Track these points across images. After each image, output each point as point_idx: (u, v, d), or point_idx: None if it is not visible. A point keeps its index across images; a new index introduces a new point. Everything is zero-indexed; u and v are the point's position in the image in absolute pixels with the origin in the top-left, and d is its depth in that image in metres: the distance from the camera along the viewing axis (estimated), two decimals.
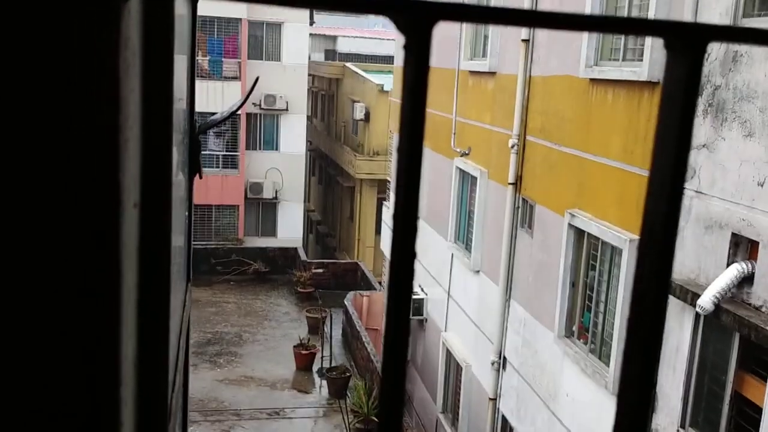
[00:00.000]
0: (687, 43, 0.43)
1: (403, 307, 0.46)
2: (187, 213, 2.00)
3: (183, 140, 1.75)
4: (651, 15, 7.33)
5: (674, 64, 0.44)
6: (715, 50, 6.45)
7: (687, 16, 6.78)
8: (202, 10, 25.81)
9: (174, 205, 1.49)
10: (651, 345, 0.48)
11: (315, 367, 17.75)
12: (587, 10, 8.58)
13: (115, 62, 0.52)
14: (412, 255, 0.45)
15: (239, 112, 25.05)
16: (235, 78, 25.22)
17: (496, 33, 11.41)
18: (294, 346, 17.94)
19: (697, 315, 6.54)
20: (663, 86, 0.45)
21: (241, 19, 25.20)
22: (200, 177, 2.05)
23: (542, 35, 9.97)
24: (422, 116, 0.44)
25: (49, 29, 0.49)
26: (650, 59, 7.32)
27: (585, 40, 8.60)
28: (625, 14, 8.10)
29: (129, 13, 0.59)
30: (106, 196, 0.54)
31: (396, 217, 0.45)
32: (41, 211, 0.52)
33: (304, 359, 17.68)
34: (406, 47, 0.42)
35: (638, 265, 0.49)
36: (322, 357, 17.60)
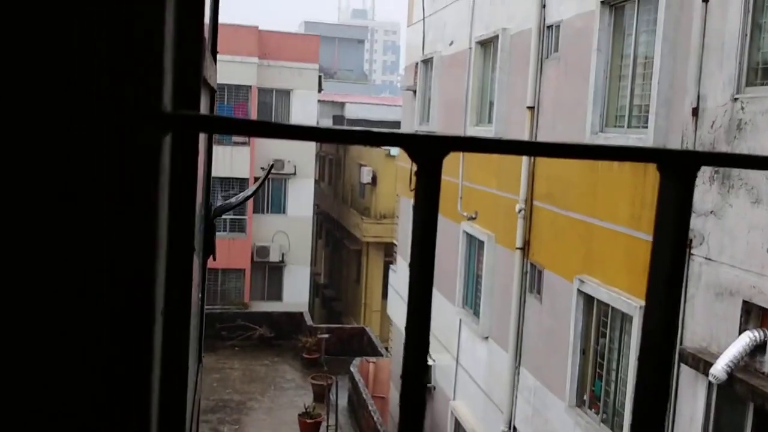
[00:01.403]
0: (678, 168, 0.43)
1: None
2: (200, 295, 2.00)
3: (199, 226, 1.77)
4: (654, 84, 7.43)
5: (667, 187, 0.44)
6: (720, 117, 6.51)
7: (690, 86, 6.87)
8: None
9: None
10: (660, 406, 0.48)
11: None
12: (590, 88, 8.71)
13: (155, 190, 0.57)
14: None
15: (248, 176, 25.31)
16: (244, 144, 25.57)
17: (501, 99, 11.58)
18: (299, 415, 17.60)
19: (710, 384, 6.40)
20: (657, 206, 0.45)
21: (251, 86, 25.72)
22: (214, 259, 2.06)
23: (547, 102, 10.11)
24: (434, 232, 0.48)
25: (101, 163, 0.54)
26: (655, 126, 7.39)
27: (590, 106, 8.71)
28: (629, 86, 8.21)
29: (167, 144, 0.65)
30: (140, 307, 0.57)
31: (407, 342, 0.46)
32: (80, 326, 0.56)
33: (309, 429, 17.32)
34: (418, 173, 0.48)
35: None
36: (327, 426, 17.24)
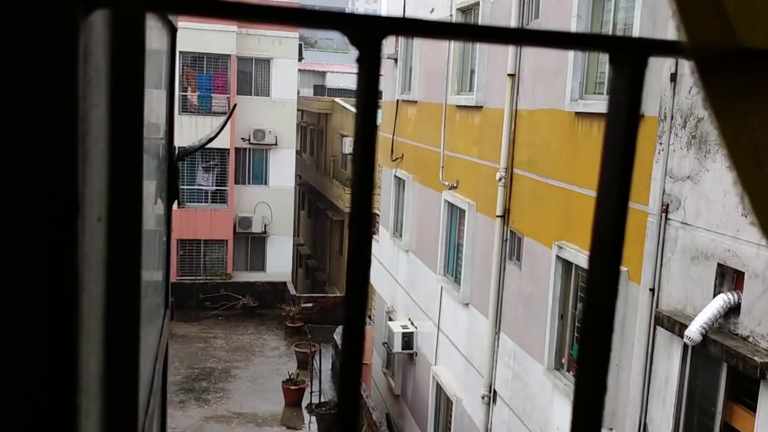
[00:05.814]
0: (629, 56, 0.45)
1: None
2: (165, 238, 2.00)
3: (161, 167, 1.76)
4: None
5: (618, 77, 0.46)
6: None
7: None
8: (192, 46, 25.79)
9: (149, 224, 1.49)
10: (603, 353, 0.49)
11: (304, 403, 17.55)
12: (570, 55, 8.70)
13: (73, 76, 0.52)
14: (367, 261, 0.46)
15: (228, 147, 25.12)
16: (224, 113, 25.33)
17: (482, 68, 11.57)
18: (283, 382, 17.75)
19: (686, 346, 6.54)
20: (609, 99, 0.47)
21: (230, 55, 25.43)
22: (179, 204, 2.06)
23: (528, 70, 10.11)
24: (374, 125, 0.46)
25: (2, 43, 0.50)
26: None
27: (570, 74, 8.73)
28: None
29: (91, 27, 0.60)
30: (62, 207, 0.53)
31: (351, 226, 0.46)
32: None
33: (293, 395, 17.49)
34: (358, 60, 0.44)
35: (589, 277, 0.50)
36: (311, 392, 17.41)
